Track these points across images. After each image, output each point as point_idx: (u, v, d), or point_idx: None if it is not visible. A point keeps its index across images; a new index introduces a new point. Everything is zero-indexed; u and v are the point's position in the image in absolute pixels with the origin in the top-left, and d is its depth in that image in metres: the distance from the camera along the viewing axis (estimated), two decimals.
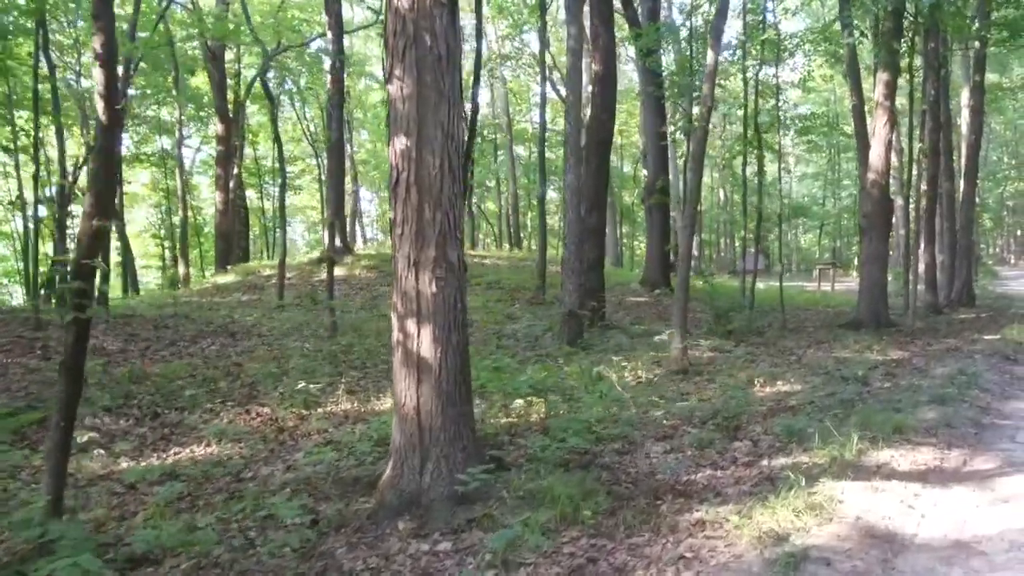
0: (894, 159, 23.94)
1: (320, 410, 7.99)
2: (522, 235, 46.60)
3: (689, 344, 12.71)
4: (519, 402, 7.79)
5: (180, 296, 18.92)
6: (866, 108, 16.62)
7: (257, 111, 33.36)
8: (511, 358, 11.05)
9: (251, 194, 38.46)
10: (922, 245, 19.31)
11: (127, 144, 29.99)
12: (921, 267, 19.04)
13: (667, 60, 22.40)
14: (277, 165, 35.96)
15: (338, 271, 20.31)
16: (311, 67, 32.37)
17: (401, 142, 5.11)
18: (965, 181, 20.32)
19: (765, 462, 6.06)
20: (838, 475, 5.50)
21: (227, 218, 25.00)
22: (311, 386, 8.37)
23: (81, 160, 18.87)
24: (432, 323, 5.12)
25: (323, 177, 39.77)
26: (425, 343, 5.13)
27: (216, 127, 25.21)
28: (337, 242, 21.72)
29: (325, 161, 40.43)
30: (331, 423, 7.55)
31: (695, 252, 32.08)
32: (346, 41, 31.02)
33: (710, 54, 9.68)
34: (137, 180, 34.88)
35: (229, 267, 22.34)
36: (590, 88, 15.70)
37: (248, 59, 28.65)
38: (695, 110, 13.88)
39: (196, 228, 28.96)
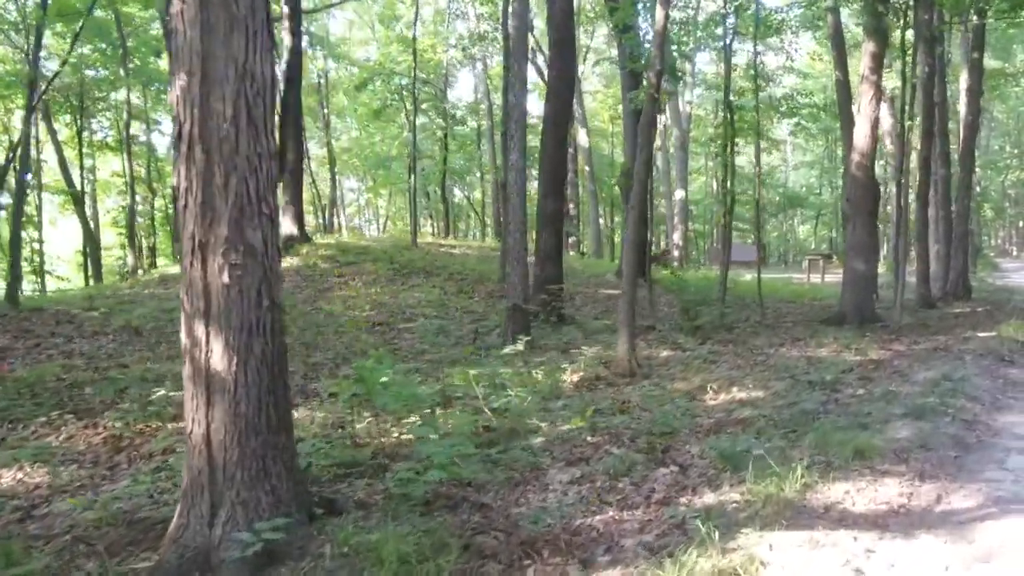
0: (889, 143, 22.64)
1: (173, 424, 6.73)
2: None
3: (648, 342, 11.47)
4: (415, 419, 6.54)
5: (121, 289, 17.67)
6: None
7: None
8: (437, 360, 9.82)
9: None
10: (905, 234, 18.00)
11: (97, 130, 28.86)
12: (912, 257, 17.75)
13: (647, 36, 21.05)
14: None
15: (292, 261, 19.11)
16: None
17: (182, 83, 3.85)
18: (961, 166, 18.99)
19: (686, 499, 4.81)
20: (770, 521, 4.24)
21: None
22: (174, 394, 7.10)
23: None
24: (225, 326, 3.86)
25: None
26: (216, 352, 3.87)
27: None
28: (295, 230, 20.44)
29: (305, 149, 39.71)
30: (182, 441, 6.29)
31: (679, 242, 30.79)
32: (332, 26, 29.80)
33: (659, 11, 8.40)
34: (109, 167, 33.62)
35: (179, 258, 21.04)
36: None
37: None
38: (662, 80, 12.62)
39: (168, 217, 27.64)
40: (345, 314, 13.45)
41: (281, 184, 22.56)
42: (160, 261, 28.59)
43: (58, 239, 32.77)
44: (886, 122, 21.47)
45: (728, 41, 14.62)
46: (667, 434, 6.38)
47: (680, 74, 19.61)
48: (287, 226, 20.63)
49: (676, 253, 30.46)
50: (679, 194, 29.76)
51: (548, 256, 13.27)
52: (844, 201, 14.07)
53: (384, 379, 5.43)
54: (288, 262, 18.93)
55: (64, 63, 17.57)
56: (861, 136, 13.35)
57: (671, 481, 5.19)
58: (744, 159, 55.54)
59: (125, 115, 21.16)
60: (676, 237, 31.99)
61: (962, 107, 21.15)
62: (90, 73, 24.68)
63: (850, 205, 13.67)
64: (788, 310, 17.00)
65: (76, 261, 29.59)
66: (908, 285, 20.26)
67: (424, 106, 26.72)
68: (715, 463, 5.42)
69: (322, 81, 35.77)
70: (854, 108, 13.60)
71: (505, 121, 11.46)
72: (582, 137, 29.93)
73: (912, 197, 17.72)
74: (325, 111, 38.42)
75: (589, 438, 6.47)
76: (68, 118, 25.60)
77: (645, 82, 9.24)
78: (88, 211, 34.98)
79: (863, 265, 13.69)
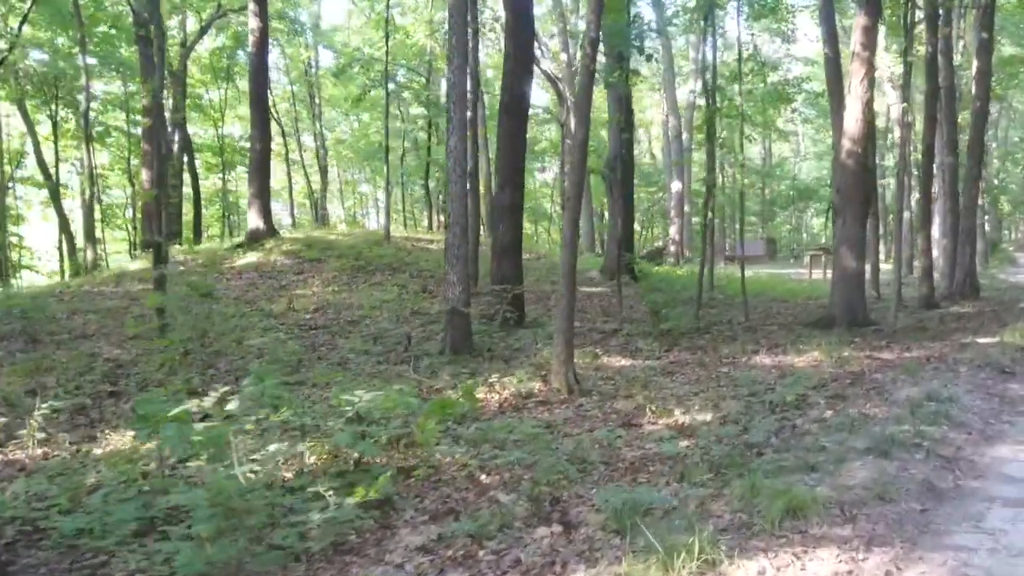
0: (897, 130, 21.21)
1: None
2: None
3: (607, 349, 10.31)
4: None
5: (69, 286, 16.69)
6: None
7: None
8: (356, 373, 8.70)
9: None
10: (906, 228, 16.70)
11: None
12: (908, 254, 16.43)
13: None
14: (248, 144, 33.96)
15: (252, 256, 18.09)
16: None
17: None
18: (970, 155, 17.61)
19: None
20: None
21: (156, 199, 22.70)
22: None
23: None
24: None
25: (290, 156, 37.85)
26: None
27: (144, 98, 22.87)
28: (261, 223, 19.36)
29: (297, 140, 38.67)
30: None
31: (676, 236, 29.45)
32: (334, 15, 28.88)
33: None
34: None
35: (142, 253, 20.12)
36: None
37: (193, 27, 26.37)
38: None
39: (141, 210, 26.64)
40: (286, 316, 12.36)
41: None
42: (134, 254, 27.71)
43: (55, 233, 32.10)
44: (895, 110, 20.15)
45: (706, 16, 13.32)
46: (578, 473, 5.22)
47: (651, 53, 18.33)
48: (253, 220, 19.61)
49: (673, 248, 29.13)
50: (676, 186, 28.37)
51: (505, 253, 12.11)
52: (834, 192, 12.80)
53: (176, 413, 4.25)
54: (249, 258, 17.92)
55: (12, 47, 16.57)
56: (852, 120, 12.07)
57: (544, 550, 4.04)
58: (755, 150, 54.20)
59: (83, 103, 20.16)
60: (673, 231, 30.65)
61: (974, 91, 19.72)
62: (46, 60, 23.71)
63: (840, 196, 12.40)
64: (779, 310, 15.75)
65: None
66: (911, 283, 18.97)
67: (406, 94, 25.55)
68: (608, 522, 4.25)
69: (311, 70, 34.73)
70: (845, 89, 12.31)
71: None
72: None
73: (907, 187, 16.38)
74: (317, 101, 37.36)
75: (483, 477, 5.34)
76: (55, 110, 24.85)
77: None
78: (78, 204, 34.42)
79: (854, 262, 12.43)
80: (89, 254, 20.82)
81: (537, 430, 6.53)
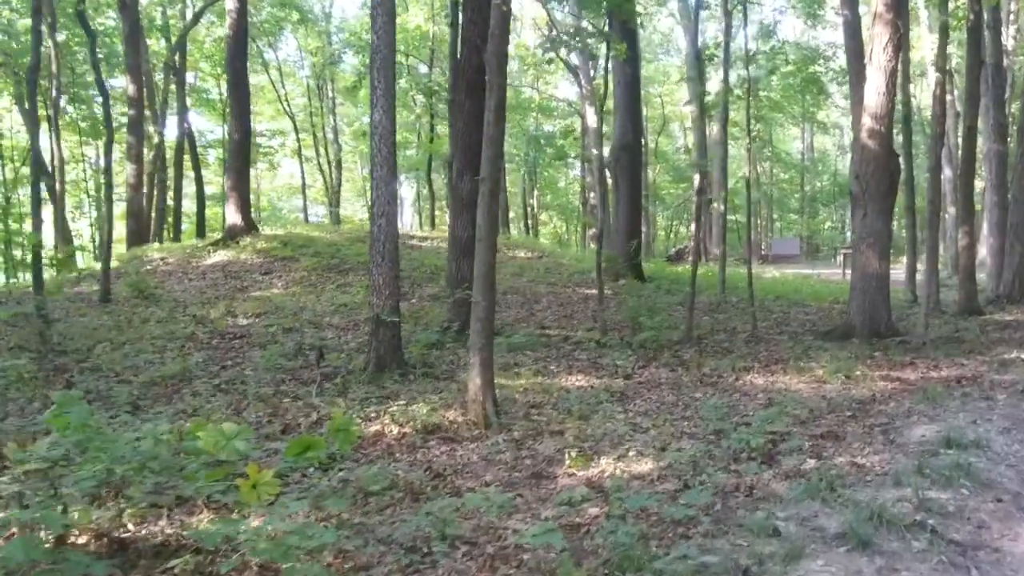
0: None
1: None
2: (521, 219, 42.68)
3: (569, 364, 8.66)
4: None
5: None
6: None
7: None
8: (243, 394, 7.18)
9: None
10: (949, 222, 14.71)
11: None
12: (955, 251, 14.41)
13: None
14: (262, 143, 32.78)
15: (224, 254, 16.79)
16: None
17: None
18: (1019, 140, 15.49)
19: None
20: None
21: (139, 194, 21.59)
22: None
23: None
24: None
25: (302, 152, 36.65)
26: None
27: (128, 87, 21.73)
28: (238, 219, 18.03)
29: (312, 135, 37.39)
30: None
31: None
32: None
33: None
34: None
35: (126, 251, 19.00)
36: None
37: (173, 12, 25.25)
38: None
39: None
40: (220, 322, 10.93)
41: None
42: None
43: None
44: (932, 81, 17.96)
45: None
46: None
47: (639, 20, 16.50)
48: (230, 215, 18.31)
49: (693, 245, 27.03)
50: (696, 180, 26.27)
51: (465, 250, 10.48)
52: (852, 179, 10.94)
53: None
54: (220, 256, 16.63)
55: None
56: (873, 93, 10.20)
57: None
58: (795, 145, 51.63)
59: (54, 91, 19.05)
60: (693, 228, 28.53)
61: None
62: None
63: (859, 184, 10.52)
64: (797, 316, 13.87)
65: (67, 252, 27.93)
66: (954, 285, 16.86)
67: (402, 81, 24.02)
68: None
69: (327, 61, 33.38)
70: (866, 57, 10.44)
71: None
72: (591, 117, 26.83)
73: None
74: (331, 94, 36.14)
75: (298, 565, 3.74)
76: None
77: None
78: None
79: (876, 262, 10.56)
80: (61, 253, 19.67)
81: (415, 479, 4.96)
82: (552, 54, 17.64)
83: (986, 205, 18.21)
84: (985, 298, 15.32)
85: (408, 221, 42.89)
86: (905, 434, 5.76)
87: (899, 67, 10.36)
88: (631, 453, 5.40)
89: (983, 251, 19.40)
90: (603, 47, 15.21)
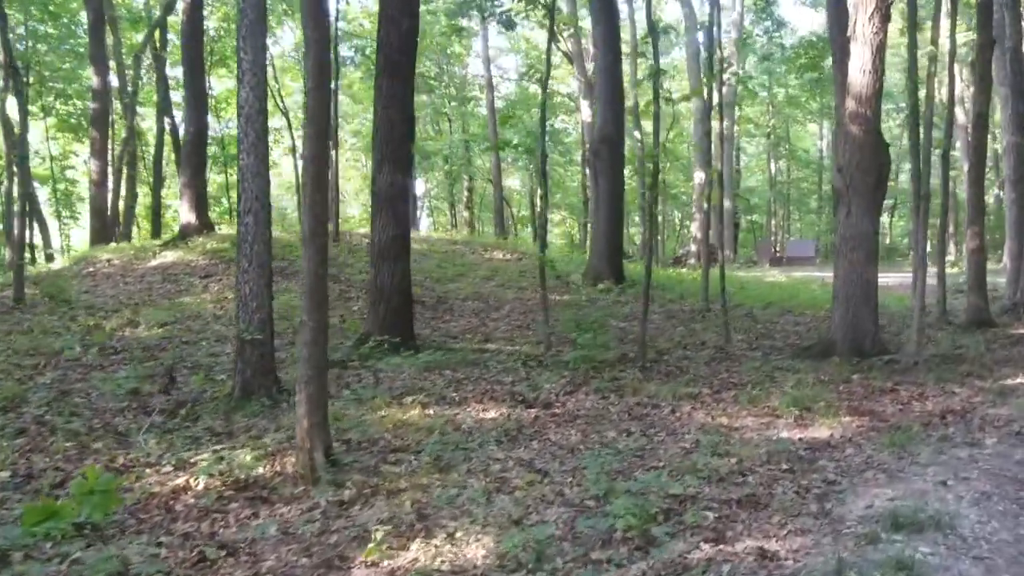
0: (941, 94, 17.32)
1: None
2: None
3: (484, 391, 7.34)
4: None
5: None
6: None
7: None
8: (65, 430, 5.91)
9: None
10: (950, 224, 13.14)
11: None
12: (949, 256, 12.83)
13: None
14: (235, 134, 31.63)
15: (171, 255, 15.61)
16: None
17: None
18: None
19: None
20: None
21: (103, 190, 20.55)
22: None
23: None
24: None
25: (296, 149, 35.44)
26: None
27: (92, 79, 20.68)
28: (193, 217, 16.86)
29: (301, 131, 35.98)
30: None
31: (697, 234, 25.81)
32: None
33: None
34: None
35: (67, 252, 17.89)
36: None
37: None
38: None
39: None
40: (115, 331, 9.71)
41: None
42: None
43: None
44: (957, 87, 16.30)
45: None
46: None
47: None
48: (184, 213, 17.14)
49: (694, 248, 25.49)
50: (699, 176, 24.58)
51: (386, 253, 9.16)
52: (834, 172, 9.46)
53: None
54: (166, 257, 15.46)
55: None
56: (858, 71, 8.73)
57: None
58: (811, 142, 49.67)
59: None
60: (695, 228, 27.01)
61: None
62: None
63: (842, 177, 9.05)
64: (783, 327, 12.36)
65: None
66: (924, 300, 15.21)
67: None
68: None
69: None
70: (849, 30, 8.96)
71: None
72: (586, 112, 25.42)
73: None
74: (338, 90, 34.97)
75: None
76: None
77: None
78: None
79: (862, 267, 9.08)
80: (7, 253, 18.63)
81: (173, 563, 3.66)
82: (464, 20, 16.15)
83: (1008, 204, 16.55)
84: (1000, 307, 13.74)
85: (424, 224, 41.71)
86: (848, 502, 4.35)
87: (886, 40, 8.86)
88: (473, 527, 4.05)
89: (1005, 259, 17.71)
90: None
